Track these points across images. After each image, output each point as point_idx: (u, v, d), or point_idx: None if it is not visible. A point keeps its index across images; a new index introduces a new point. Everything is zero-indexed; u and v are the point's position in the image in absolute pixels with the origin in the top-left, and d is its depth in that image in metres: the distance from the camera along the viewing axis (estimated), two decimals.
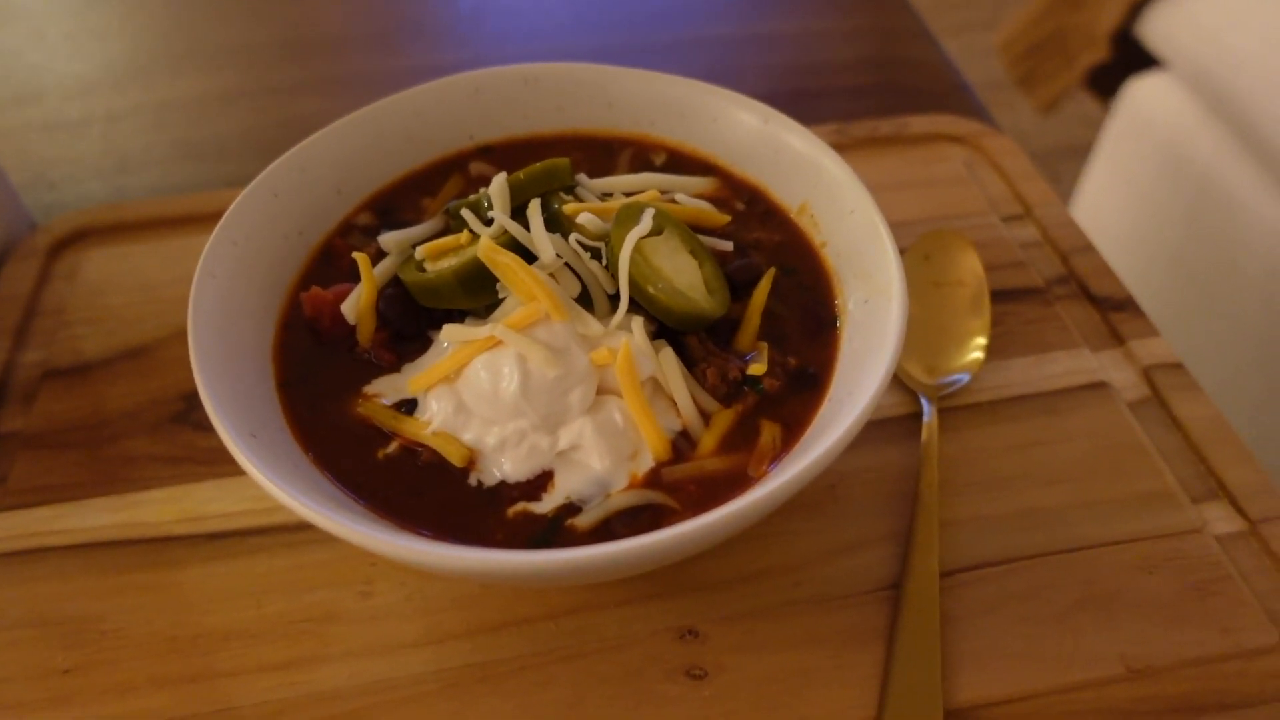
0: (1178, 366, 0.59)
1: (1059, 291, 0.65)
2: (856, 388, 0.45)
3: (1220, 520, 0.52)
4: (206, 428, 0.57)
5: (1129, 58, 1.37)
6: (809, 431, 0.46)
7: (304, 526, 0.52)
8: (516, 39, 1.00)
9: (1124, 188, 1.40)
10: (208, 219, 0.69)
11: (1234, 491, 0.53)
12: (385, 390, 0.49)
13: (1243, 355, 1.18)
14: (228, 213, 0.50)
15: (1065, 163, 1.86)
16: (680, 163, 0.60)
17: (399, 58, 0.97)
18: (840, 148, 0.74)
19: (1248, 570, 0.50)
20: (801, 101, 0.88)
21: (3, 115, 0.86)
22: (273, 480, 0.39)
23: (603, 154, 0.61)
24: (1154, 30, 1.30)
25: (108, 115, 0.88)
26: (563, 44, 0.99)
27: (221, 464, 0.55)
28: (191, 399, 0.58)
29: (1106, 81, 1.45)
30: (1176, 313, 1.28)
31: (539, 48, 0.98)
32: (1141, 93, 1.34)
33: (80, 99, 0.90)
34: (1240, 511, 0.52)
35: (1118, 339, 0.61)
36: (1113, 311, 0.63)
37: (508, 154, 0.60)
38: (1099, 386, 0.58)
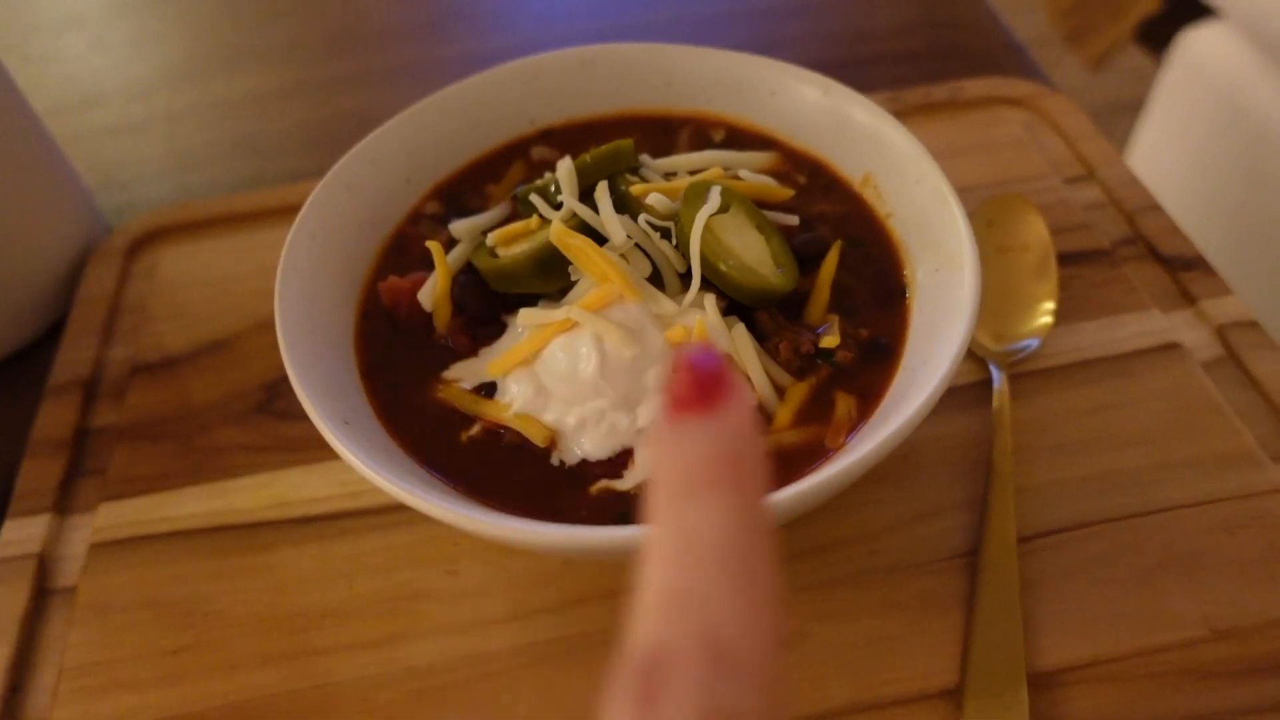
0: (1253, 324, 0.58)
1: (1126, 253, 0.64)
2: (931, 357, 0.45)
3: None
4: (289, 416, 0.59)
5: (1181, 7, 1.33)
6: (884, 402, 0.47)
7: (391, 509, 0.53)
8: (561, 18, 1.00)
9: (1180, 142, 1.37)
10: (272, 214, 0.72)
11: None
12: (464, 375, 0.50)
13: None
14: (305, 207, 0.52)
15: (1117, 120, 1.82)
16: (739, 138, 0.61)
17: (447, 46, 0.98)
18: (895, 115, 0.73)
19: None
20: (851, 69, 0.88)
21: (70, 120, 0.89)
22: (371, 466, 0.41)
23: (662, 133, 0.61)
24: None
25: (168, 115, 0.90)
26: (608, 21, 0.99)
27: (305, 450, 0.57)
28: (272, 388, 0.60)
29: (1158, 33, 1.41)
30: (1239, 267, 1.25)
31: (585, 26, 0.98)
32: (1195, 43, 1.30)
33: (142, 100, 0.92)
34: None
35: (1189, 299, 0.61)
36: (1182, 271, 0.62)
37: (568, 137, 0.61)
38: (1171, 347, 0.58)
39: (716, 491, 0.21)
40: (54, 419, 0.60)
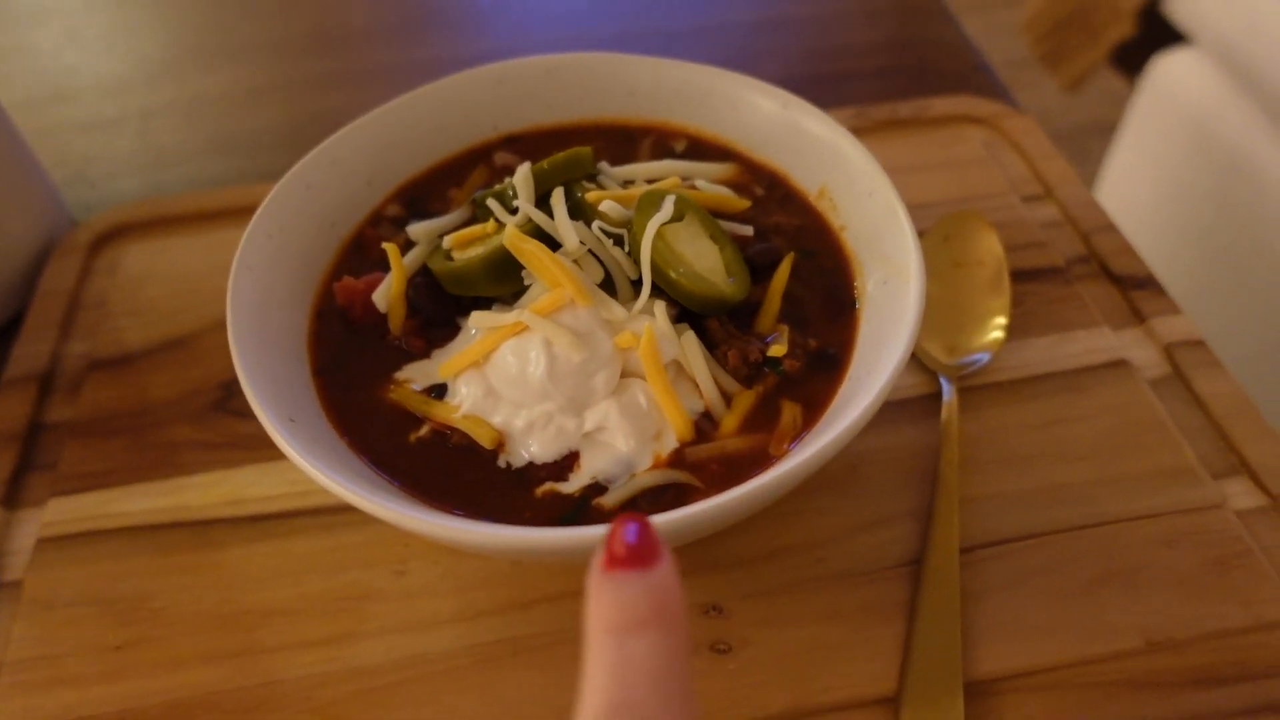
0: (1199, 344, 0.59)
1: (1080, 271, 0.65)
2: (875, 367, 0.46)
3: (1241, 495, 0.53)
4: (245, 414, 0.59)
5: (1155, 33, 1.35)
6: (829, 411, 0.47)
7: (341, 509, 0.54)
8: (538, 27, 1.01)
9: (1151, 165, 1.39)
10: (242, 212, 0.72)
11: (1255, 467, 0.53)
12: (416, 376, 0.51)
13: (1272, 331, 1.17)
14: (263, 205, 0.52)
15: (1091, 141, 1.84)
16: (701, 149, 0.61)
17: (423, 49, 0.99)
18: (860, 131, 0.75)
19: (1269, 545, 0.51)
20: (822, 85, 0.89)
21: (41, 114, 0.89)
22: (312, 463, 0.41)
23: (624, 141, 0.62)
24: (1180, 5, 1.28)
25: (142, 112, 0.90)
26: (583, 31, 1.00)
27: (260, 449, 0.57)
28: (230, 386, 0.60)
29: (1132, 58, 1.44)
30: (1205, 290, 1.27)
31: (560, 35, 0.99)
32: (1168, 69, 1.33)
33: (115, 97, 0.92)
34: (1261, 487, 0.53)
35: (1139, 317, 0.62)
36: (1134, 290, 0.63)
37: (531, 143, 0.62)
38: (1120, 364, 0.59)
39: (650, 628, 0.26)
40: (7, 412, 0.60)
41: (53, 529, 0.54)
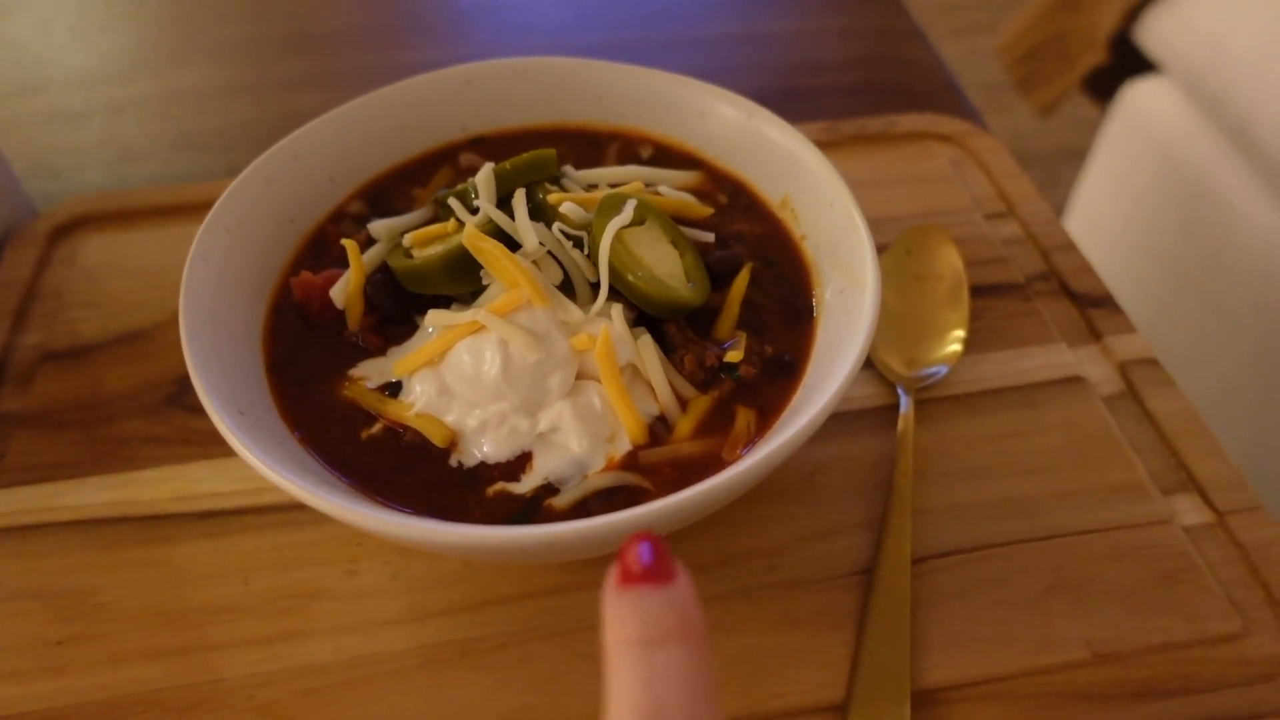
0: (1152, 362, 0.60)
1: (1039, 288, 0.66)
2: (829, 374, 0.46)
3: (1189, 511, 0.53)
4: (199, 410, 0.58)
5: (1126, 61, 1.38)
6: (783, 417, 0.47)
7: (293, 507, 0.53)
8: (514, 35, 1.01)
9: (1120, 191, 1.41)
10: (206, 207, 0.70)
11: (1203, 484, 0.54)
12: (371, 373, 0.50)
13: (1236, 356, 1.18)
14: (220, 199, 0.52)
15: (1063, 166, 1.87)
16: (667, 156, 0.62)
17: (399, 53, 0.99)
18: (829, 144, 0.75)
19: (1214, 560, 0.51)
20: (794, 99, 0.90)
21: (7, 105, 0.88)
22: (258, 456, 0.41)
23: (591, 146, 0.62)
24: (1151, 34, 1.31)
25: (110, 106, 0.89)
26: (560, 41, 1.00)
27: (213, 445, 0.56)
28: (185, 381, 0.60)
29: (1104, 85, 1.46)
30: (1169, 312, 1.29)
31: (536, 44, 0.99)
32: (1138, 96, 1.35)
33: (83, 90, 0.91)
34: (1209, 503, 0.54)
35: (1095, 335, 0.63)
36: (1091, 308, 0.64)
37: (498, 145, 0.62)
38: (1075, 381, 0.59)
39: (675, 640, 0.28)
40: None
41: None
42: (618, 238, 0.48)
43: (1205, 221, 1.25)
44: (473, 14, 1.05)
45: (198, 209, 0.71)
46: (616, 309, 0.48)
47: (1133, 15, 1.36)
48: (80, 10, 1.03)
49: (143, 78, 0.93)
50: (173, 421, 0.58)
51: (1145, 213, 1.37)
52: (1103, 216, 1.46)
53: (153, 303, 0.65)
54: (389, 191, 0.59)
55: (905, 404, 0.57)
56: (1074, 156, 1.66)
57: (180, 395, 0.59)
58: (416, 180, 0.60)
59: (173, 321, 0.63)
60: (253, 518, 0.53)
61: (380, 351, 0.51)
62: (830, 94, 0.91)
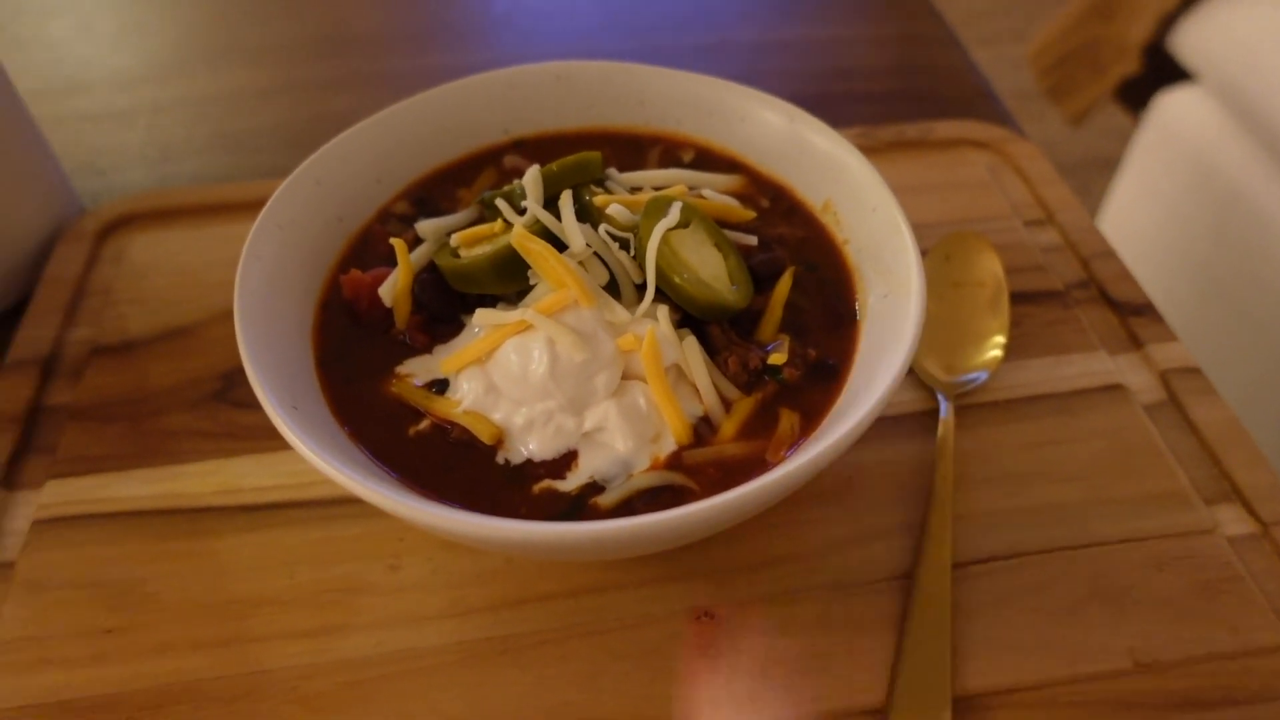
0: (1194, 371, 0.60)
1: (1078, 295, 0.65)
2: (873, 379, 0.46)
3: (1233, 522, 0.53)
4: (244, 405, 0.60)
5: (1160, 70, 1.37)
6: (826, 420, 0.48)
7: (336, 501, 0.54)
8: (546, 41, 1.02)
9: (1152, 200, 1.40)
10: (246, 207, 0.72)
11: (1247, 494, 0.54)
12: (417, 371, 0.51)
13: (1267, 365, 1.17)
14: (273, 198, 0.53)
15: (1094, 174, 1.86)
16: (708, 160, 0.62)
17: (431, 57, 0.99)
18: (866, 150, 0.75)
19: (1258, 571, 0.51)
20: (827, 106, 0.89)
21: (54, 104, 0.89)
22: (315, 451, 0.41)
23: (632, 150, 0.62)
24: (1185, 43, 1.30)
25: (152, 107, 0.91)
26: (591, 47, 1.00)
27: (257, 439, 0.57)
28: (229, 377, 0.61)
29: (1137, 94, 1.45)
30: (1202, 323, 1.28)
31: (568, 50, 1.00)
32: (1171, 106, 1.34)
33: (126, 91, 0.93)
34: (1252, 514, 0.53)
35: (1135, 343, 0.62)
36: (1131, 316, 0.64)
37: (540, 148, 0.62)
38: (1115, 388, 0.59)
39: None
40: (8, 394, 0.60)
41: (48, 511, 0.54)
42: (664, 240, 0.49)
43: (1238, 231, 1.24)
44: (501, 19, 1.06)
45: (237, 209, 0.72)
46: (662, 310, 0.48)
47: (1167, 24, 1.35)
48: (122, 13, 1.05)
49: (182, 79, 0.95)
50: (218, 416, 0.59)
51: (1177, 222, 1.36)
52: (1134, 225, 1.45)
53: (195, 299, 0.66)
54: (434, 192, 0.60)
55: (945, 409, 0.57)
56: (1105, 165, 1.65)
57: (225, 391, 0.60)
58: (461, 181, 0.61)
59: (216, 318, 0.65)
60: (296, 512, 0.54)
61: (426, 349, 0.52)
62: (863, 100, 0.91)
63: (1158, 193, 1.39)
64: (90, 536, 0.53)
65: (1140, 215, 1.43)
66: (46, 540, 0.53)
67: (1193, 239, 1.32)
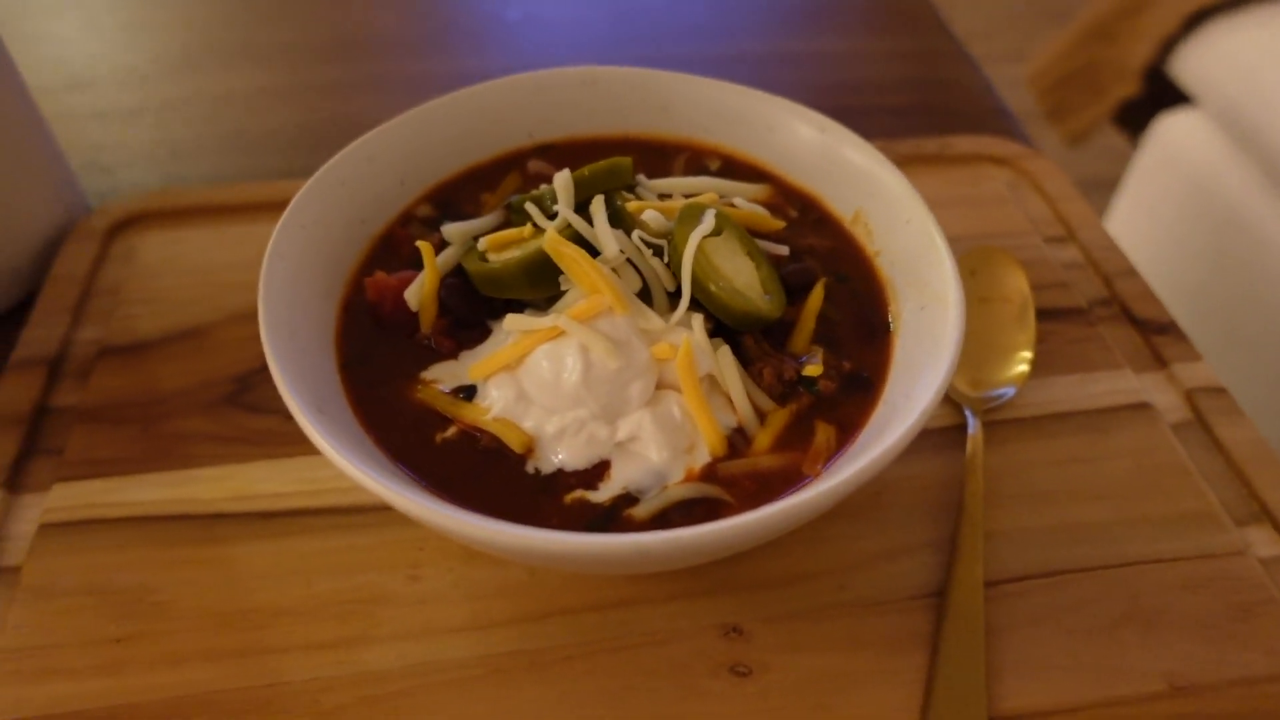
0: (1220, 390, 0.60)
1: (1101, 313, 0.65)
2: (912, 392, 0.45)
3: (1264, 543, 0.52)
4: (258, 409, 0.58)
5: (1159, 94, 1.38)
6: (863, 434, 0.47)
7: (354, 509, 0.52)
8: (561, 49, 1.01)
9: (1150, 222, 1.41)
10: (259, 208, 0.71)
11: (1277, 516, 0.53)
12: (442, 376, 0.50)
13: (1266, 387, 1.18)
14: (297, 196, 0.51)
15: (1092, 196, 1.87)
16: (734, 169, 0.61)
17: (445, 61, 0.99)
18: None
19: None
20: (841, 118, 0.89)
21: (60, 101, 0.88)
22: (344, 456, 0.40)
23: (658, 157, 0.62)
24: (1185, 67, 1.31)
25: (161, 105, 0.89)
26: (606, 56, 0.99)
27: (272, 444, 0.56)
28: (244, 380, 0.59)
29: (1136, 117, 1.46)
30: (1200, 345, 1.28)
31: (583, 59, 0.99)
32: (1170, 129, 1.35)
33: (134, 88, 0.92)
34: None
35: (1160, 362, 0.62)
36: (1155, 334, 0.63)
37: (565, 153, 0.61)
38: (1142, 407, 0.59)
39: None
40: (13, 395, 0.58)
41: (55, 515, 0.52)
42: (698, 247, 0.48)
43: (1236, 254, 1.25)
44: (517, 26, 1.06)
45: (249, 209, 0.71)
46: (697, 319, 0.47)
47: (1167, 48, 1.36)
48: (130, 9, 1.04)
49: (191, 78, 0.93)
50: (230, 420, 0.57)
51: (1175, 244, 1.36)
52: (1132, 247, 1.45)
53: (207, 300, 0.64)
54: (457, 195, 0.59)
55: (973, 425, 0.56)
56: (1104, 186, 1.66)
57: (239, 394, 0.58)
58: (485, 185, 0.60)
59: (229, 320, 0.63)
60: (312, 519, 0.52)
61: (452, 355, 0.51)
62: (878, 114, 0.91)
63: (1156, 215, 1.40)
64: (99, 542, 0.51)
65: (1139, 237, 1.44)
66: (53, 545, 0.51)
67: (1191, 261, 1.32)
